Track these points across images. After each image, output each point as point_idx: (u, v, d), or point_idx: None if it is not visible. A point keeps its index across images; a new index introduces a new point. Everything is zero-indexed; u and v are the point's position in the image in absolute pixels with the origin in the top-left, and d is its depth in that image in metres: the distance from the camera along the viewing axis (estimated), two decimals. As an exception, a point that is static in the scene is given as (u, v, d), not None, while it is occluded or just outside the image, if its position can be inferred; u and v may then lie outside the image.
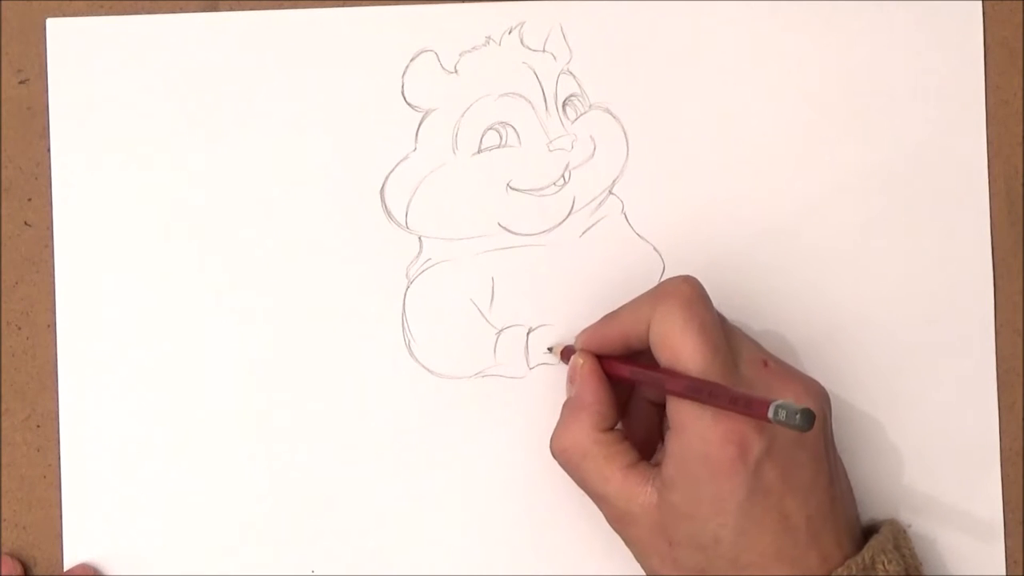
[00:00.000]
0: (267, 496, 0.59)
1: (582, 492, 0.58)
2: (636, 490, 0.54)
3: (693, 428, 0.52)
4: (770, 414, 0.49)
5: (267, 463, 0.59)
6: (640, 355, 0.56)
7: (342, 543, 0.59)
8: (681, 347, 0.53)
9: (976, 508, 0.60)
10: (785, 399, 0.53)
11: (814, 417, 0.48)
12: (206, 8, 0.60)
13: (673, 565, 0.53)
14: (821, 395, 0.55)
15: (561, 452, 0.56)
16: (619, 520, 0.55)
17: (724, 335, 0.54)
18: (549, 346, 0.59)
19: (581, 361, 0.57)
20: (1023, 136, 0.61)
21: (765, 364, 0.54)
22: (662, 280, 0.56)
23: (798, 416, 0.48)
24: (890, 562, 0.54)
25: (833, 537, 0.53)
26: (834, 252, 0.60)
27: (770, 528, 0.52)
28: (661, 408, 0.57)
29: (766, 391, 0.53)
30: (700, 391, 0.52)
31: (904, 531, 0.56)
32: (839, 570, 0.52)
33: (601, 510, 0.55)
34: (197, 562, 0.59)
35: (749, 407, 0.50)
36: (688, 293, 0.54)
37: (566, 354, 0.58)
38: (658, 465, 0.54)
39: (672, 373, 0.53)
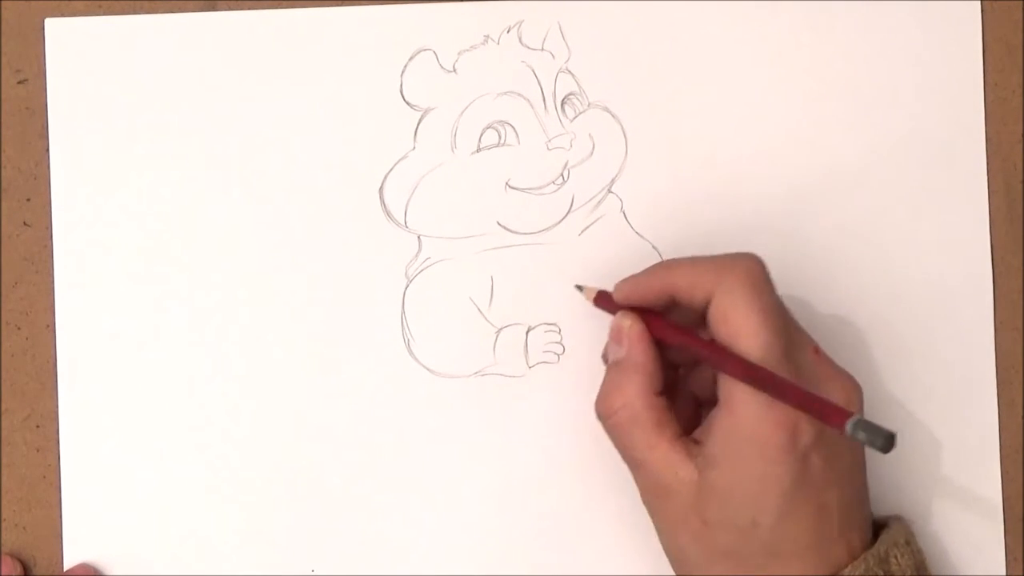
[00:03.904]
0: (267, 496, 0.59)
1: (582, 491, 0.58)
2: (679, 463, 0.53)
3: (746, 409, 0.51)
4: (848, 429, 0.49)
5: (266, 462, 0.59)
6: (671, 312, 0.56)
7: (342, 543, 0.59)
8: (743, 328, 0.52)
9: (976, 505, 0.60)
10: (833, 392, 0.53)
11: (894, 441, 0.48)
12: (204, 8, 0.60)
13: (705, 544, 0.53)
14: (859, 390, 0.54)
15: (612, 413, 0.54)
16: (654, 491, 0.54)
17: (783, 320, 0.54)
18: (579, 284, 0.59)
19: (628, 323, 0.55)
20: (1022, 134, 0.61)
21: (816, 352, 0.54)
22: (727, 253, 0.55)
23: (881, 440, 0.48)
24: (902, 556, 0.54)
25: (859, 530, 0.53)
26: (833, 251, 0.60)
27: (808, 517, 0.52)
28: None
29: (816, 381, 0.53)
30: (768, 383, 0.51)
31: (911, 528, 0.56)
32: (855, 563, 0.52)
33: (637, 478, 0.54)
34: (197, 562, 0.59)
35: (823, 414, 0.50)
36: (756, 272, 0.53)
37: (600, 300, 0.57)
38: (698, 444, 0.53)
39: (739, 359, 0.52)
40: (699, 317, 0.55)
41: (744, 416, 0.52)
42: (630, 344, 0.55)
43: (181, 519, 0.59)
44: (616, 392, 0.55)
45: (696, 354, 0.54)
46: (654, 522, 0.55)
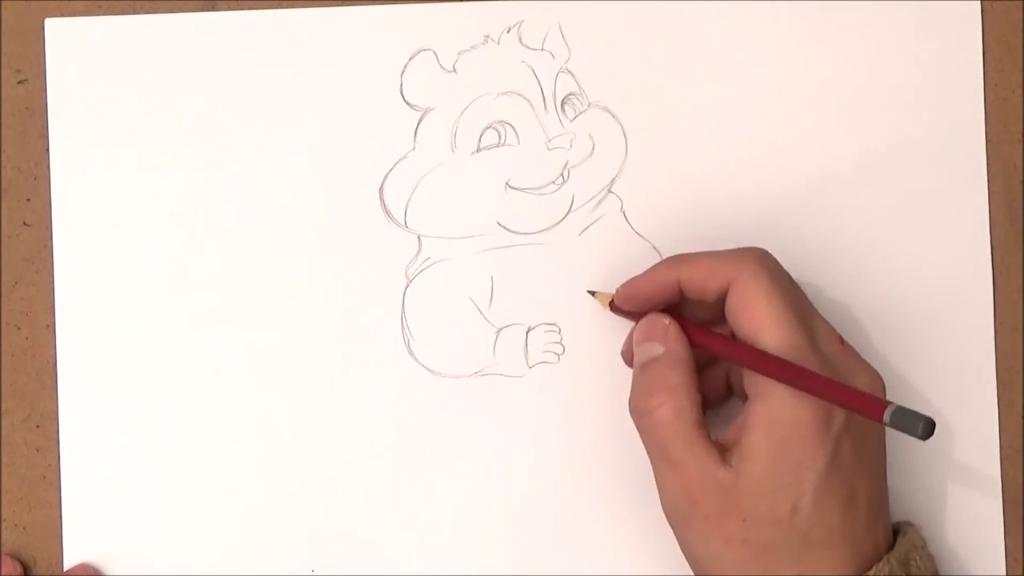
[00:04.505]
0: (267, 496, 0.59)
1: (582, 491, 0.58)
2: (715, 464, 0.52)
3: (781, 398, 0.51)
4: (886, 418, 0.48)
5: (267, 462, 0.59)
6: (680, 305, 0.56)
7: (342, 543, 0.59)
8: (765, 318, 0.52)
9: (976, 506, 0.60)
10: (859, 384, 0.53)
11: (934, 427, 0.48)
12: (204, 8, 0.60)
13: (741, 545, 0.52)
14: (883, 382, 0.55)
15: (656, 407, 0.53)
16: (687, 494, 0.52)
17: (805, 309, 0.54)
18: (591, 290, 0.59)
19: (667, 321, 0.55)
20: (1022, 134, 0.61)
21: (842, 343, 0.54)
22: (742, 248, 0.55)
23: (921, 425, 0.47)
24: (921, 559, 0.54)
25: (884, 527, 0.54)
26: (833, 251, 0.60)
27: (841, 503, 0.52)
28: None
29: (845, 371, 0.53)
30: (800, 379, 0.51)
31: (922, 533, 0.56)
32: (879, 565, 0.52)
33: (667, 481, 0.53)
34: (197, 562, 0.59)
35: (860, 406, 0.50)
36: (770, 263, 0.54)
37: (616, 306, 0.57)
38: (729, 445, 0.53)
39: (771, 357, 0.52)
40: (708, 312, 0.55)
41: (781, 401, 0.52)
42: (673, 340, 0.54)
43: (181, 519, 0.59)
44: (659, 385, 0.54)
45: (724, 355, 0.54)
46: (680, 531, 0.54)
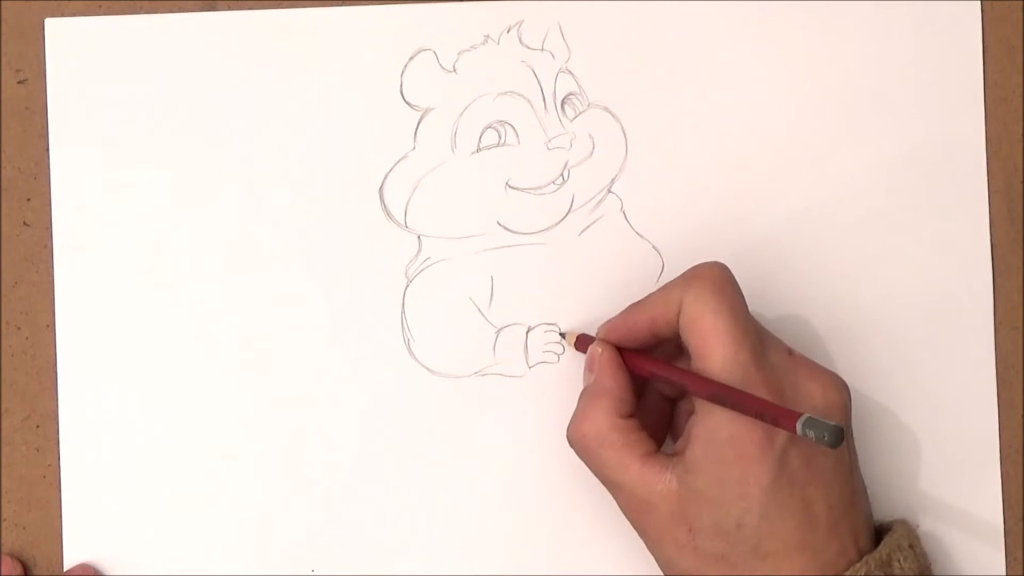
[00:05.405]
0: (267, 496, 0.59)
1: (582, 491, 0.58)
2: (655, 478, 0.53)
3: (721, 413, 0.52)
4: (798, 429, 0.49)
5: (267, 462, 0.59)
6: (659, 348, 0.56)
7: (342, 543, 0.59)
8: (712, 331, 0.53)
9: (976, 506, 0.60)
10: (812, 390, 0.54)
11: (843, 435, 0.49)
12: (204, 8, 0.60)
13: (692, 553, 0.53)
14: (844, 387, 0.55)
15: (580, 439, 0.55)
16: (636, 509, 0.54)
17: (753, 322, 0.54)
18: (561, 331, 0.59)
19: (600, 349, 0.56)
20: (1022, 134, 0.61)
21: (790, 353, 0.55)
22: (693, 266, 0.56)
23: (827, 434, 0.48)
24: (906, 559, 0.54)
25: (851, 530, 0.53)
26: (833, 250, 0.60)
27: (793, 515, 0.52)
28: (672, 401, 0.58)
29: (793, 381, 0.53)
30: (726, 398, 0.52)
31: (915, 532, 0.56)
32: (857, 566, 0.53)
33: (617, 499, 0.55)
34: (197, 562, 0.59)
35: (777, 419, 0.50)
36: (720, 277, 0.54)
37: (581, 344, 0.58)
38: (676, 454, 0.54)
39: (697, 377, 0.53)
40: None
41: (720, 417, 0.52)
42: (599, 369, 0.56)
43: (181, 519, 0.59)
44: (582, 417, 0.56)
45: (667, 381, 0.55)
46: (642, 539, 0.55)
